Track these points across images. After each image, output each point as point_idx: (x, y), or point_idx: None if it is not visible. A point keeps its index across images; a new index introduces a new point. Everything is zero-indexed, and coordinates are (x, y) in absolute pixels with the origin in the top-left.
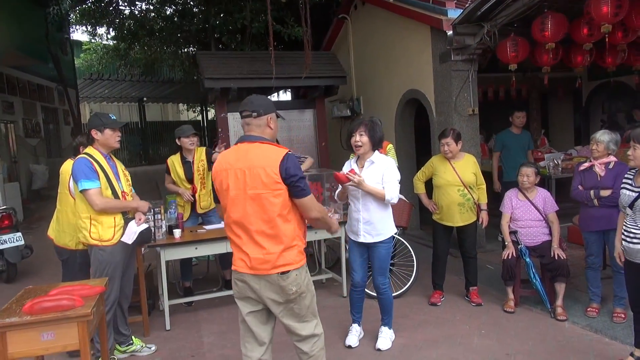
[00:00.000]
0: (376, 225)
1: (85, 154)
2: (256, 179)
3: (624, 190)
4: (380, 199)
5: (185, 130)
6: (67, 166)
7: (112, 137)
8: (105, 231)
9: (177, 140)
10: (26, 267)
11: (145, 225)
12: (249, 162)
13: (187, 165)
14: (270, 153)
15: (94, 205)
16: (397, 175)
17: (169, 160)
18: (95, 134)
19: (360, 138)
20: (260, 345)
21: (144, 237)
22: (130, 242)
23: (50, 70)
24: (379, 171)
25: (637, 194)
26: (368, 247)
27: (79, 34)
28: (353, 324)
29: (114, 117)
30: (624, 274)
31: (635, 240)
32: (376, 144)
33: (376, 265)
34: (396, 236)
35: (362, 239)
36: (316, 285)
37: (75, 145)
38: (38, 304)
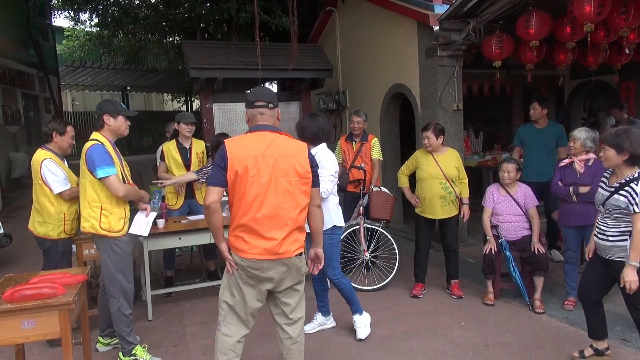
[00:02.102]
0: None
1: (95, 140)
2: (290, 168)
3: (599, 189)
4: None
5: (186, 117)
6: (37, 156)
7: (123, 125)
8: (117, 222)
9: (175, 125)
10: (5, 256)
11: (154, 214)
12: (279, 150)
13: (184, 151)
14: (296, 144)
15: (118, 191)
16: (328, 169)
17: (164, 147)
18: (107, 119)
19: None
20: (246, 327)
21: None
22: (146, 234)
23: (31, 57)
24: None
25: (609, 193)
26: None
27: (60, 19)
28: (316, 313)
29: (124, 106)
30: (585, 266)
31: (603, 237)
32: (307, 139)
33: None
34: (379, 229)
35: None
36: None
37: (47, 131)
38: (19, 292)
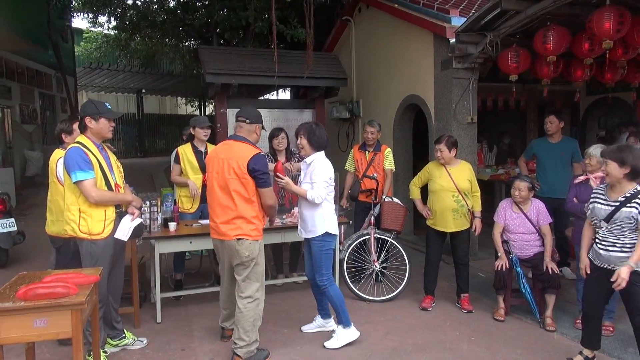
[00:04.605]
0: (307, 221)
1: (78, 142)
2: (231, 168)
3: (597, 205)
4: (305, 198)
5: (201, 121)
6: (55, 156)
7: (106, 127)
8: (95, 224)
9: (191, 129)
10: (17, 254)
11: (139, 220)
12: (230, 154)
13: (199, 155)
14: (245, 151)
15: (90, 197)
16: (323, 176)
17: (180, 149)
18: (89, 121)
19: (300, 141)
20: (228, 286)
21: (136, 232)
22: (125, 238)
23: (49, 57)
24: (309, 172)
25: (613, 207)
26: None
27: (79, 20)
28: (316, 315)
29: (110, 107)
30: (584, 280)
31: (614, 249)
32: (315, 147)
33: (313, 262)
34: (390, 240)
35: (300, 234)
36: (307, 285)
37: (57, 133)
38: (32, 290)
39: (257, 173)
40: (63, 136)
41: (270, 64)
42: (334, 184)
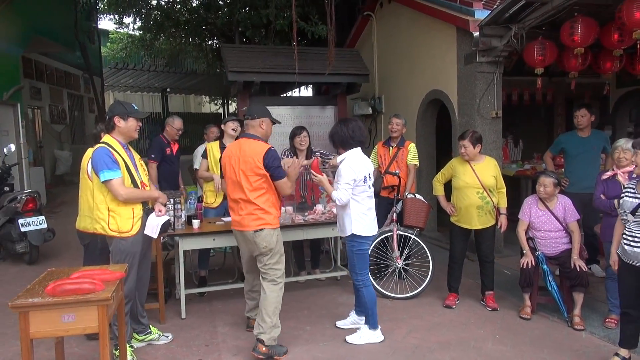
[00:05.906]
0: (339, 221)
1: (104, 142)
2: (247, 164)
3: (626, 198)
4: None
5: (230, 117)
6: (88, 152)
7: (133, 126)
8: (124, 222)
9: (222, 126)
10: (47, 250)
11: (166, 217)
12: (243, 152)
13: None
14: (256, 147)
15: (118, 195)
16: (344, 177)
17: (208, 145)
18: (118, 121)
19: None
20: (250, 278)
21: (163, 228)
22: (155, 235)
23: (77, 58)
24: (337, 172)
25: None
26: None
27: (105, 22)
28: (351, 310)
29: (136, 107)
30: (617, 277)
31: None
32: (339, 145)
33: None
34: (412, 236)
35: (338, 231)
36: (330, 282)
37: (96, 132)
38: (60, 286)
39: (272, 168)
40: (102, 135)
41: (291, 61)
42: (365, 184)
